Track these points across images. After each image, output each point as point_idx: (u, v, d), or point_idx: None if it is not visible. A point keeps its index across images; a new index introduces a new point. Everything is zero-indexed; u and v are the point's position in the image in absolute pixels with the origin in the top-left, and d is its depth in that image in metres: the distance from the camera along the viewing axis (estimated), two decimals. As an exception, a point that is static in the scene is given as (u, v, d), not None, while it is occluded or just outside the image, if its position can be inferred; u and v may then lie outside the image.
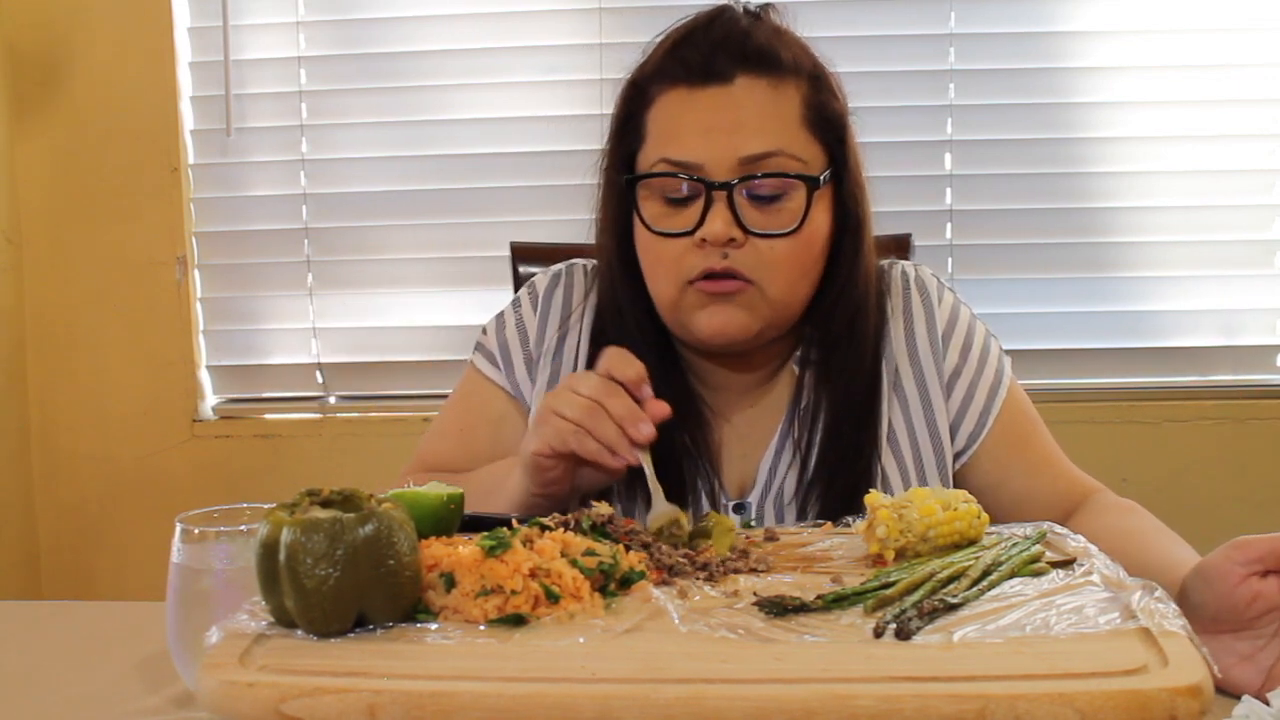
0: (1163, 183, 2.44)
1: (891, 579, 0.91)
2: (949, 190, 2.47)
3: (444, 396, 1.47)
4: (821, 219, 1.26)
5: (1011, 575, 0.92)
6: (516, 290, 1.49)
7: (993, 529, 1.03)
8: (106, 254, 2.55)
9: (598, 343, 1.35)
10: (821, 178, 1.25)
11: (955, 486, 1.29)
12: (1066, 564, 0.95)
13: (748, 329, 1.24)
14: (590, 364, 1.34)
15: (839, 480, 1.29)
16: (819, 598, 0.87)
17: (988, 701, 0.71)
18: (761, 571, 0.97)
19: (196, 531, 0.92)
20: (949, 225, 2.47)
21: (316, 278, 2.58)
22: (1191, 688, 0.71)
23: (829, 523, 1.12)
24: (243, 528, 0.92)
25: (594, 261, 1.40)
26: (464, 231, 2.53)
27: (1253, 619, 0.92)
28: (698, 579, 0.94)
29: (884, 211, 1.37)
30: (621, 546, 0.96)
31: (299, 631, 0.82)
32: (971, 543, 1.00)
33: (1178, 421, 2.45)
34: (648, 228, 1.25)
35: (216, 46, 2.51)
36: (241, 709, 0.74)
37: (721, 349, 1.29)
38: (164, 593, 0.93)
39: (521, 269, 1.79)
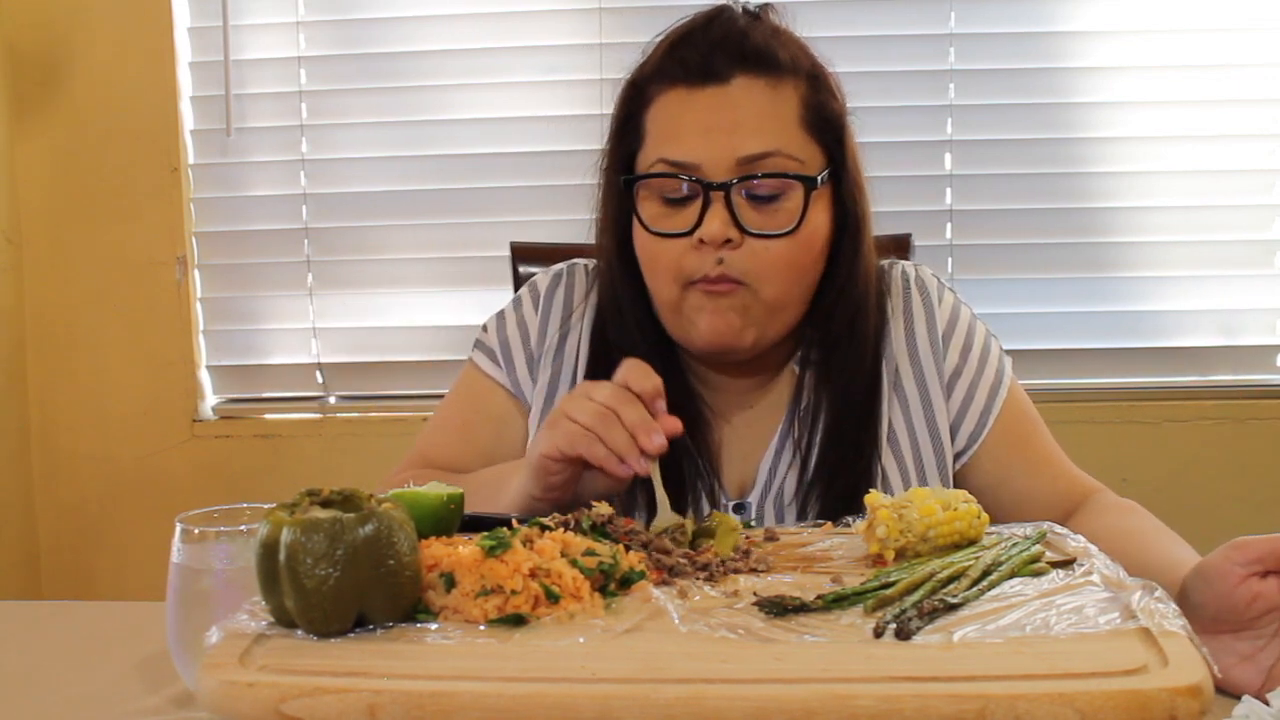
0: (1163, 183, 2.44)
1: (891, 579, 0.91)
2: (949, 190, 2.47)
3: (444, 396, 1.47)
4: (820, 219, 1.26)
5: (1011, 575, 0.92)
6: (517, 290, 1.49)
7: (993, 529, 1.03)
8: (106, 254, 2.55)
9: (598, 343, 1.35)
10: (819, 178, 1.24)
11: (955, 486, 1.29)
12: (1066, 564, 0.95)
13: (741, 334, 1.24)
14: (591, 364, 1.34)
15: (839, 480, 1.29)
16: (819, 598, 0.87)
17: (988, 701, 0.71)
18: (761, 571, 0.97)
19: (196, 531, 0.92)
20: (949, 225, 2.47)
21: (316, 278, 2.58)
22: (1191, 688, 0.71)
23: (829, 523, 1.12)
24: (243, 528, 0.92)
25: (595, 261, 1.40)
26: (464, 231, 2.53)
27: (1253, 619, 0.92)
28: (698, 579, 0.94)
29: (884, 211, 1.36)
30: (621, 546, 0.96)
31: (299, 631, 0.82)
32: (971, 543, 1.00)
33: (1178, 421, 2.45)
34: (646, 228, 1.25)
35: (216, 46, 2.51)
36: (241, 709, 0.74)
37: (718, 357, 1.29)
38: (164, 593, 0.93)
39: (521, 269, 1.78)
